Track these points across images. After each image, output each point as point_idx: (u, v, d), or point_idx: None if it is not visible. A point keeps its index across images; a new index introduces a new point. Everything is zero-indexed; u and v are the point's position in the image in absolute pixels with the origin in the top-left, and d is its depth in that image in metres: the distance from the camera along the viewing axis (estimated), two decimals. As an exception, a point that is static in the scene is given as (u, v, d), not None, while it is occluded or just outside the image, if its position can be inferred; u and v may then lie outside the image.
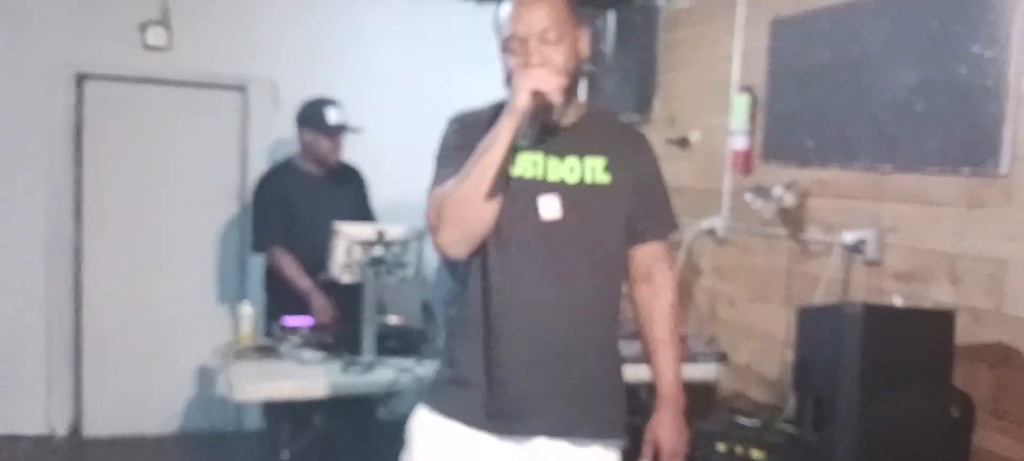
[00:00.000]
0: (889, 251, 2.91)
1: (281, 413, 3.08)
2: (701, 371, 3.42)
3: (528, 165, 1.79)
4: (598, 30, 4.73)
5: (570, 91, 1.76)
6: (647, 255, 1.92)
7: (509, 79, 1.75)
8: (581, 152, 1.82)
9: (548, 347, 1.79)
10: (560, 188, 1.79)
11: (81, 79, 4.30)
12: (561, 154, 1.81)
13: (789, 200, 3.30)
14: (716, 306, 3.89)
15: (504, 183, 1.72)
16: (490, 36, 5.29)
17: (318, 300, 3.38)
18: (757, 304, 3.61)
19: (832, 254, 3.07)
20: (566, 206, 1.79)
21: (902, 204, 2.86)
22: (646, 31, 4.53)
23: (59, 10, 4.17)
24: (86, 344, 4.39)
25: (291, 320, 3.28)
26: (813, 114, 3.26)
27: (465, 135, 1.80)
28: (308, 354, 3.06)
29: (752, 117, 3.64)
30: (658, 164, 1.96)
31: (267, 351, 3.13)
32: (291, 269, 3.48)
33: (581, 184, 1.81)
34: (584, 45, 1.82)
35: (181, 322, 4.42)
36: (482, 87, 4.63)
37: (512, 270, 1.78)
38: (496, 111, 1.73)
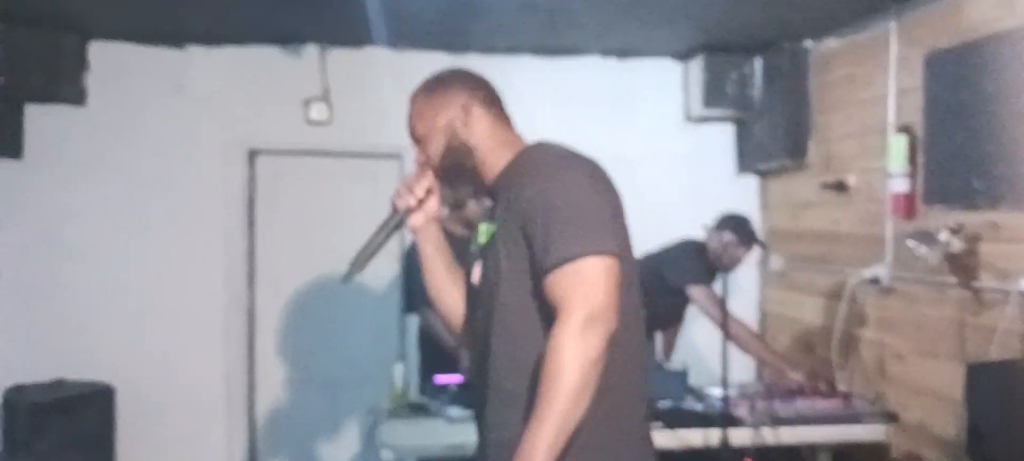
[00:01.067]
0: (1076, 299, 2.64)
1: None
2: (868, 432, 3.20)
3: (477, 236, 1.82)
4: (745, 76, 4.64)
5: (454, 168, 1.79)
6: (549, 294, 1.55)
7: None
8: (497, 207, 1.77)
9: (481, 410, 1.75)
10: (482, 252, 1.77)
11: (253, 155, 4.67)
12: (490, 215, 1.78)
13: (956, 245, 3.07)
14: (883, 361, 3.64)
15: (445, 273, 1.91)
16: (636, 90, 5.26)
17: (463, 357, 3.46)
18: (927, 359, 3.35)
19: (1009, 303, 2.81)
20: (483, 267, 1.75)
21: (1089, 247, 2.59)
22: (796, 74, 4.39)
23: (233, 92, 4.56)
24: (259, 400, 4.69)
25: (442, 378, 3.37)
26: (979, 152, 3.03)
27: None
28: (455, 412, 3.12)
29: (911, 158, 3.43)
30: (547, 193, 1.60)
31: (418, 409, 3.23)
32: (439, 328, 3.57)
33: (489, 241, 1.74)
34: (462, 120, 1.78)
35: (347, 379, 4.64)
36: (620, 142, 4.72)
37: (467, 338, 1.85)
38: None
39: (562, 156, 1.71)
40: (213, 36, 4.51)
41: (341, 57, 4.65)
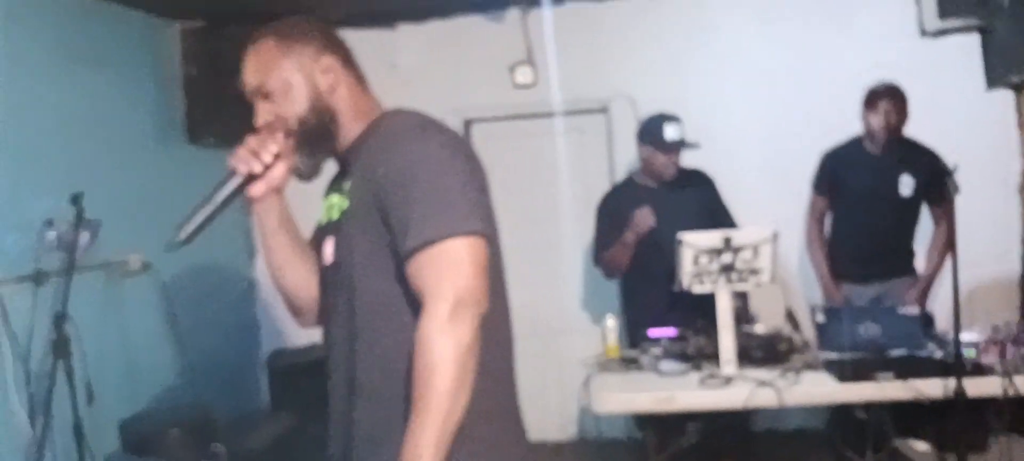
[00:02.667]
0: None
1: (649, 422, 3.13)
2: None
3: (326, 209, 1.64)
4: (989, -23, 4.08)
5: (317, 131, 1.56)
6: (412, 279, 1.42)
7: None
8: (350, 177, 1.57)
9: (337, 400, 1.58)
10: (334, 227, 1.59)
11: (468, 124, 4.84)
12: (341, 186, 1.60)
13: None
14: None
15: (290, 249, 1.66)
16: (849, 4, 4.76)
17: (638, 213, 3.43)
18: None
19: None
20: (336, 246, 1.58)
21: None
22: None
23: (443, 65, 4.74)
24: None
25: (655, 331, 3.33)
26: None
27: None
28: (668, 365, 3.07)
29: None
30: (406, 166, 1.45)
31: (630, 363, 3.21)
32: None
33: (342, 216, 1.57)
34: (327, 77, 1.57)
35: (565, 333, 4.72)
36: (840, 57, 4.32)
37: (324, 322, 1.65)
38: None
39: (422, 125, 1.53)
40: (420, 12, 4.71)
41: (541, 17, 4.66)
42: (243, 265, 4.62)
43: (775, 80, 4.48)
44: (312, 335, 4.42)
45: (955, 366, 2.64)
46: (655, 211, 3.43)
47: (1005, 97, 4.35)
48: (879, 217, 3.67)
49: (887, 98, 3.58)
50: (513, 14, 4.69)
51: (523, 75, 4.66)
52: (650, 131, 3.55)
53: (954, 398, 2.59)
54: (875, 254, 3.73)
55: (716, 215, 3.59)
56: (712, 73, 4.55)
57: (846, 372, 2.82)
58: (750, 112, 4.50)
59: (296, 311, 1.71)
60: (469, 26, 4.72)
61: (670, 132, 3.49)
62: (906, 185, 3.64)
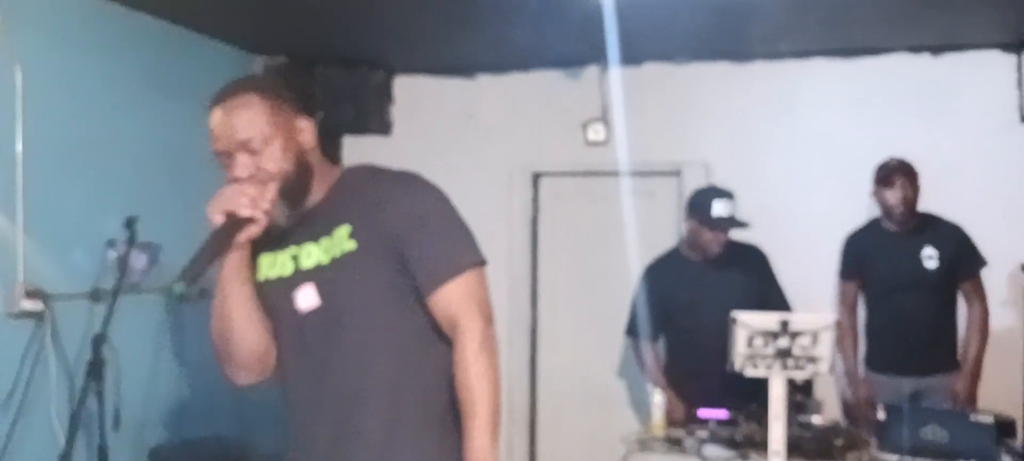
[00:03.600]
0: None
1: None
2: None
3: (275, 265, 1.65)
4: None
5: (298, 185, 1.61)
6: (441, 307, 1.58)
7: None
8: (330, 228, 1.62)
9: (320, 440, 1.62)
10: (316, 274, 1.62)
11: (536, 177, 4.81)
12: (315, 238, 1.63)
13: None
14: None
15: (253, 299, 1.64)
16: (956, 88, 4.61)
17: (668, 398, 3.36)
18: None
19: None
20: (323, 291, 1.61)
21: None
22: None
23: (518, 117, 4.73)
24: (540, 412, 4.81)
25: (705, 412, 3.18)
26: None
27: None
28: (712, 451, 2.92)
29: None
30: (423, 202, 1.63)
31: (674, 443, 3.07)
32: (649, 362, 3.60)
33: (334, 261, 1.61)
34: (306, 136, 1.63)
35: (616, 402, 4.59)
36: (933, 147, 4.10)
37: (289, 375, 1.67)
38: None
39: (403, 172, 1.69)
40: (500, 65, 4.73)
41: (620, 76, 4.61)
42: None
43: (860, 167, 4.25)
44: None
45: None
46: (700, 287, 3.32)
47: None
48: (911, 298, 3.53)
49: (900, 173, 3.52)
50: (591, 71, 4.65)
51: (595, 132, 4.61)
52: (698, 205, 3.43)
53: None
54: (913, 342, 3.55)
55: (767, 295, 3.43)
56: (793, 151, 4.39)
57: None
58: (830, 197, 4.29)
59: (240, 366, 1.68)
60: (547, 81, 4.71)
61: (718, 208, 3.35)
62: (930, 258, 3.51)
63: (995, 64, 4.17)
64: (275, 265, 1.66)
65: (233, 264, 1.60)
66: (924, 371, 3.55)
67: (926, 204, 3.65)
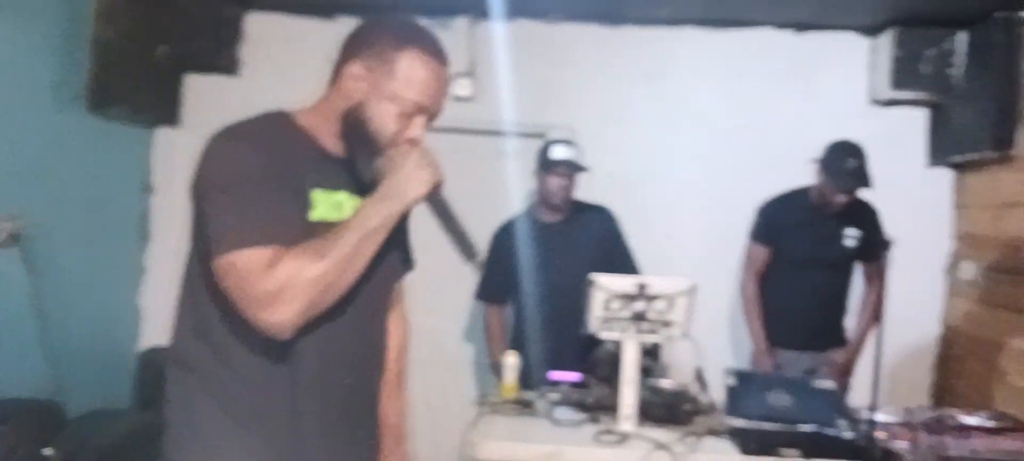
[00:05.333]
0: None
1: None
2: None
3: (330, 207, 1.57)
4: (944, 53, 4.00)
5: None
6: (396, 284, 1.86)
7: (378, 141, 1.55)
8: (354, 183, 1.61)
9: (332, 401, 1.65)
10: None
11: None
12: (352, 189, 1.60)
13: None
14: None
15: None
16: (814, 67, 4.73)
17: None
18: None
19: None
20: None
21: None
22: (1008, 51, 3.70)
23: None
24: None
25: (557, 375, 3.10)
26: None
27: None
28: (564, 414, 2.85)
29: None
30: None
31: (525, 406, 2.98)
32: (492, 327, 3.60)
33: None
34: None
35: (472, 358, 4.49)
36: (795, 123, 4.19)
37: (313, 327, 1.55)
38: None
39: None
40: (363, 5, 4.45)
41: (489, 30, 4.45)
42: (132, 251, 4.27)
43: (726, 138, 4.33)
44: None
45: (871, 451, 2.46)
46: (549, 248, 3.27)
47: (945, 176, 4.26)
48: (823, 276, 3.58)
49: (857, 184, 3.43)
50: (461, 22, 4.47)
51: (462, 87, 4.43)
52: (540, 154, 3.44)
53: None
54: (816, 318, 3.62)
55: (614, 255, 3.41)
56: (662, 122, 4.39)
57: (750, 443, 2.62)
58: (696, 166, 4.34)
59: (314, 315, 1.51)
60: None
61: (557, 152, 3.35)
62: (851, 238, 3.54)
63: (852, 46, 4.30)
64: (329, 207, 1.57)
65: (396, 217, 1.53)
66: (821, 347, 3.64)
67: (788, 180, 3.71)
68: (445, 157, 5.09)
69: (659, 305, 2.76)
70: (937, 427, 2.72)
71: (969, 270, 3.94)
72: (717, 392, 3.04)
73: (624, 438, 2.66)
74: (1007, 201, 3.73)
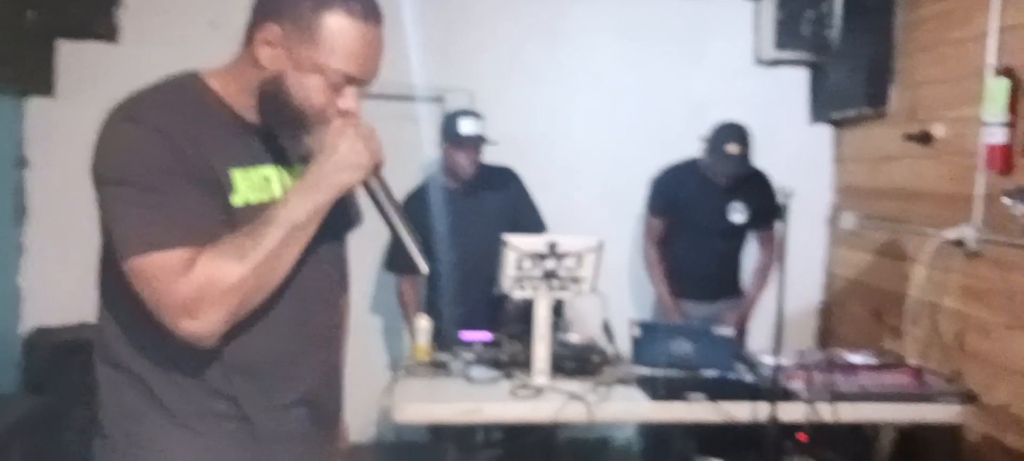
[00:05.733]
0: None
1: (446, 429, 2.92)
2: (940, 412, 2.81)
3: (253, 187, 1.39)
4: (822, 15, 4.20)
5: None
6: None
7: (304, 115, 1.37)
8: (288, 157, 1.47)
9: (321, 391, 1.61)
10: None
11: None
12: (282, 163, 1.46)
13: (1061, 205, 2.64)
14: (965, 334, 3.23)
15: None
16: (703, 29, 4.85)
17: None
18: (1020, 333, 2.93)
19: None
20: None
21: None
22: (880, 12, 3.92)
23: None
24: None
25: (468, 335, 3.13)
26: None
27: None
28: (478, 372, 2.88)
29: (1012, 106, 2.97)
30: None
31: (440, 367, 2.99)
32: (408, 299, 3.57)
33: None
34: None
35: (375, 331, 4.45)
36: (692, 83, 4.33)
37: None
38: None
39: None
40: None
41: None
42: (8, 229, 4.00)
43: (622, 99, 4.42)
44: (83, 312, 3.94)
45: (773, 391, 2.59)
46: (458, 213, 3.29)
47: (825, 132, 4.50)
48: (715, 243, 3.73)
49: (739, 168, 3.51)
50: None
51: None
52: (447, 127, 3.43)
53: (770, 423, 2.54)
54: (708, 275, 3.78)
55: (522, 215, 3.47)
56: (560, 83, 4.43)
57: (658, 390, 2.73)
58: (594, 126, 4.42)
59: (241, 316, 1.34)
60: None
61: (465, 126, 3.36)
62: (738, 212, 3.66)
63: (737, 8, 4.45)
64: (253, 187, 1.39)
65: (327, 207, 1.37)
66: (717, 297, 3.80)
67: (680, 145, 3.84)
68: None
69: (569, 262, 2.81)
70: (828, 366, 2.90)
71: (850, 220, 4.19)
72: (623, 344, 3.13)
73: (539, 391, 2.71)
74: (882, 155, 3.98)
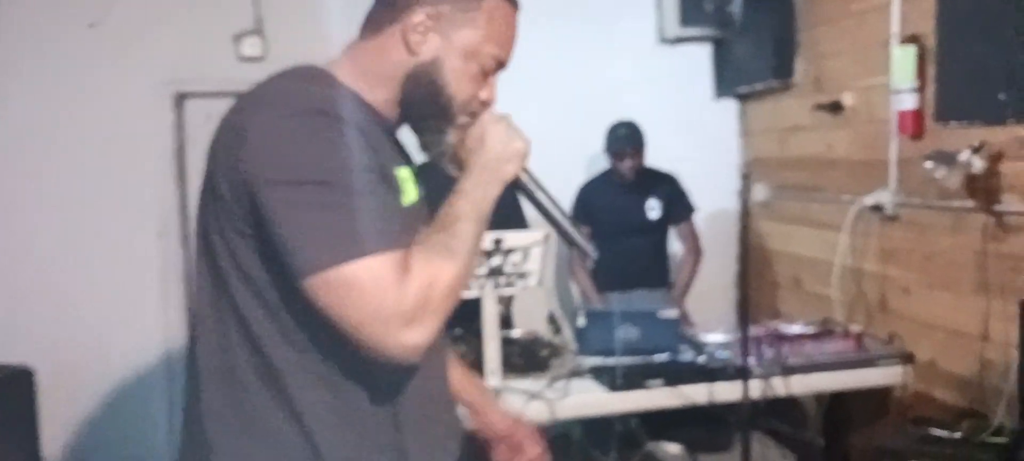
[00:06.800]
0: None
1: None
2: (884, 376, 2.89)
3: (405, 184, 1.32)
4: (726, -10, 4.26)
5: None
6: None
7: (451, 107, 1.30)
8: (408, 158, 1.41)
9: (442, 399, 1.45)
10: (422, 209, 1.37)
11: (181, 98, 4.15)
12: (410, 163, 1.39)
13: (978, 165, 2.76)
14: (886, 295, 3.36)
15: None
16: (608, 10, 4.84)
17: None
18: (939, 291, 3.06)
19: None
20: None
21: None
22: (781, -15, 4.01)
23: (155, 28, 4.01)
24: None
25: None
26: (1004, 61, 2.69)
27: None
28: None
29: (920, 72, 3.09)
30: None
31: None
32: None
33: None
34: None
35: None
36: (601, 64, 4.31)
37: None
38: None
39: None
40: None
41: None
42: None
43: (536, 83, 4.32)
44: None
45: (742, 371, 2.59)
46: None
47: (731, 106, 4.59)
48: (635, 241, 3.94)
49: (628, 144, 3.84)
50: (241, -24, 4.10)
51: (251, 46, 4.09)
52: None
53: (745, 402, 2.55)
54: (636, 271, 3.95)
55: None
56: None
57: (616, 380, 2.68)
58: (511, 112, 4.31)
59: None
60: (187, -16, 4.06)
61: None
62: (653, 209, 3.95)
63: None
64: (407, 187, 1.29)
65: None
66: (648, 287, 3.97)
67: (595, 127, 3.88)
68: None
69: (515, 257, 2.72)
70: (772, 340, 2.93)
71: (761, 191, 4.28)
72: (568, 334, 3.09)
73: (495, 394, 2.61)
74: (790, 126, 4.09)
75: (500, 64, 1.31)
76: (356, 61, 1.29)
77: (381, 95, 1.28)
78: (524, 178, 1.34)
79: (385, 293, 1.09)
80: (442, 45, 1.26)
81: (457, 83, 1.27)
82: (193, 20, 4.06)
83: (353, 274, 1.09)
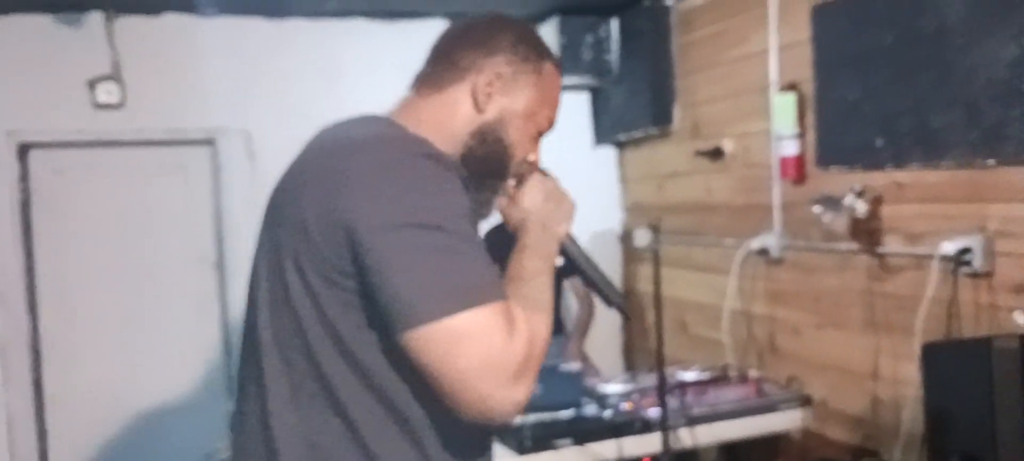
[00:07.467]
0: (1001, 261, 2.46)
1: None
2: (786, 420, 2.91)
3: None
4: (601, 40, 4.30)
5: None
6: None
7: (507, 166, 1.34)
8: None
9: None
10: None
11: (24, 149, 3.76)
12: None
13: (862, 209, 2.85)
14: (775, 336, 3.42)
15: None
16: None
17: None
18: (828, 331, 3.14)
19: (927, 269, 2.61)
20: None
21: (1015, 204, 2.41)
22: (657, 34, 4.08)
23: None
24: (53, 450, 3.81)
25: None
26: (879, 107, 2.81)
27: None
28: None
29: (800, 119, 3.19)
30: None
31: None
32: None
33: None
34: None
35: (169, 413, 3.87)
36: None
37: None
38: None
39: None
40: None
41: (132, 26, 3.84)
42: None
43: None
44: None
45: (627, 426, 2.53)
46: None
47: (609, 154, 4.63)
48: None
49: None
50: (94, 18, 3.79)
51: (107, 93, 3.77)
52: None
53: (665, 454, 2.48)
54: None
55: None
56: (341, 116, 4.13)
57: (524, 442, 2.56)
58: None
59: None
60: (36, 28, 3.70)
61: None
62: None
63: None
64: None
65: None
66: None
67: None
68: (95, 175, 4.42)
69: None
70: (675, 389, 2.91)
71: (643, 237, 4.30)
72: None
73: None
74: (668, 172, 4.15)
75: (552, 125, 1.38)
76: (420, 116, 1.30)
77: (447, 150, 1.27)
78: (569, 237, 1.38)
79: (496, 347, 1.06)
80: (506, 105, 1.30)
81: (518, 142, 1.31)
82: (42, 65, 3.70)
83: (465, 325, 1.05)
